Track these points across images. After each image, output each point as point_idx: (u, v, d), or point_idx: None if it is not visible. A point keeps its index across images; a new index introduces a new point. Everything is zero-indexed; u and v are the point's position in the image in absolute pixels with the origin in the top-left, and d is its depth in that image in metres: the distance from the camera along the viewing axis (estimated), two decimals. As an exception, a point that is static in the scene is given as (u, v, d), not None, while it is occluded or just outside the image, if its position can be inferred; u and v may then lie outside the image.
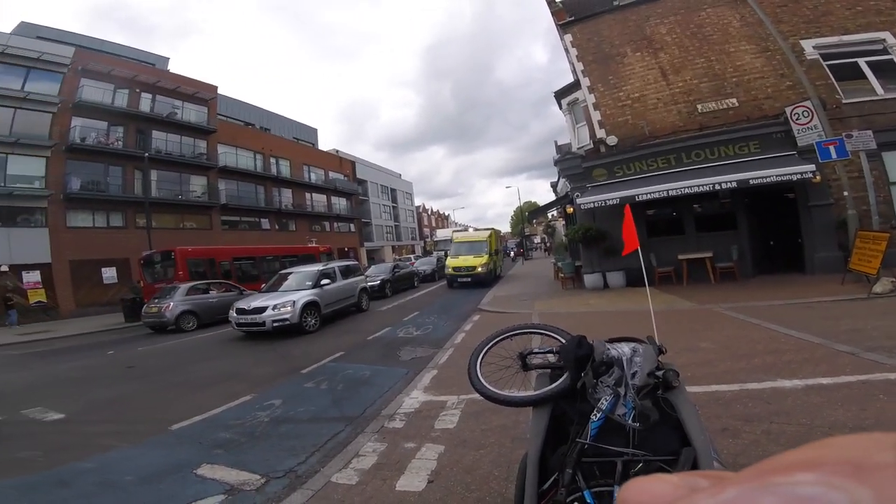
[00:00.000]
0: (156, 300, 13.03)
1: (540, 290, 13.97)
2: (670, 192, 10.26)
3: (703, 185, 9.95)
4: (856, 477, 0.19)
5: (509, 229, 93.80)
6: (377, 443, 3.80)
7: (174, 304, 12.60)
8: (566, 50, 14.48)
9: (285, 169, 34.34)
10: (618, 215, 10.53)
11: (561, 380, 1.79)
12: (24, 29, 22.75)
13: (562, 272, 14.26)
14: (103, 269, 21.46)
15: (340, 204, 40.47)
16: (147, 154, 21.67)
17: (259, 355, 8.32)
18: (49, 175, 20.41)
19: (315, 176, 37.80)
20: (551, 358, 1.93)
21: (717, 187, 9.92)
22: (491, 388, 1.97)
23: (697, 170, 10.97)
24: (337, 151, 44.26)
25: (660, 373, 1.65)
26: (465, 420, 4.11)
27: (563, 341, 1.97)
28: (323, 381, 5.99)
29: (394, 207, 53.91)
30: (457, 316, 10.77)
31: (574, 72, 14.22)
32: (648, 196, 10.47)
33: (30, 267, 19.30)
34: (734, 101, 11.59)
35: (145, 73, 25.24)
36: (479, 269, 17.71)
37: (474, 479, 3.06)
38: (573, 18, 14.20)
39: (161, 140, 25.32)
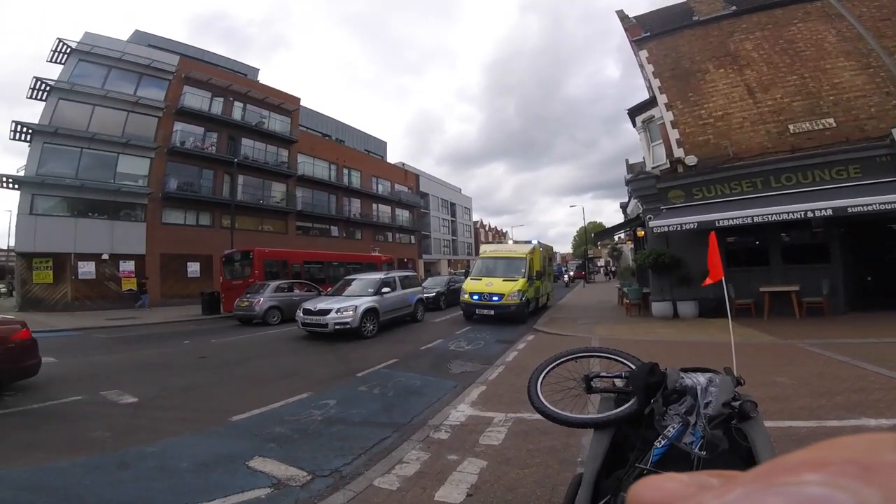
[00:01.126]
0: (248, 295, 14.20)
1: (602, 316, 13.39)
2: (755, 219, 9.45)
3: (793, 213, 9.06)
4: (863, 477, 0.19)
5: (570, 250, 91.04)
6: (421, 451, 3.80)
7: (264, 299, 13.75)
8: (641, 66, 13.99)
9: (356, 180, 36.03)
10: (695, 241, 9.99)
11: (628, 404, 1.77)
12: (138, 37, 25.50)
13: (627, 298, 13.58)
14: (189, 264, 23.53)
15: (403, 216, 41.64)
16: (236, 160, 23.69)
17: (319, 356, 8.66)
18: (151, 175, 22.85)
19: (382, 187, 39.30)
20: (618, 382, 1.93)
21: (810, 215, 8.98)
22: (552, 407, 1.97)
23: (787, 195, 10.03)
24: (403, 164, 45.71)
25: (736, 403, 1.59)
26: (512, 438, 4.01)
27: (633, 367, 1.95)
28: (376, 387, 6.10)
29: (452, 221, 54.53)
30: (510, 333, 10.56)
31: (650, 88, 13.69)
32: (731, 222, 9.69)
33: (126, 257, 21.56)
34: (831, 121, 10.52)
35: (238, 82, 27.60)
36: (509, 299, 12.41)
37: (515, 497, 2.97)
38: (648, 34, 13.71)
39: (248, 147, 27.53)
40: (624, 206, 24.50)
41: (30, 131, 20.21)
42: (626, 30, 14.50)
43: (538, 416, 4.28)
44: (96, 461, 3.72)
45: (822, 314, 9.93)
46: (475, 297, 12.90)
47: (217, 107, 26.19)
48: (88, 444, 4.14)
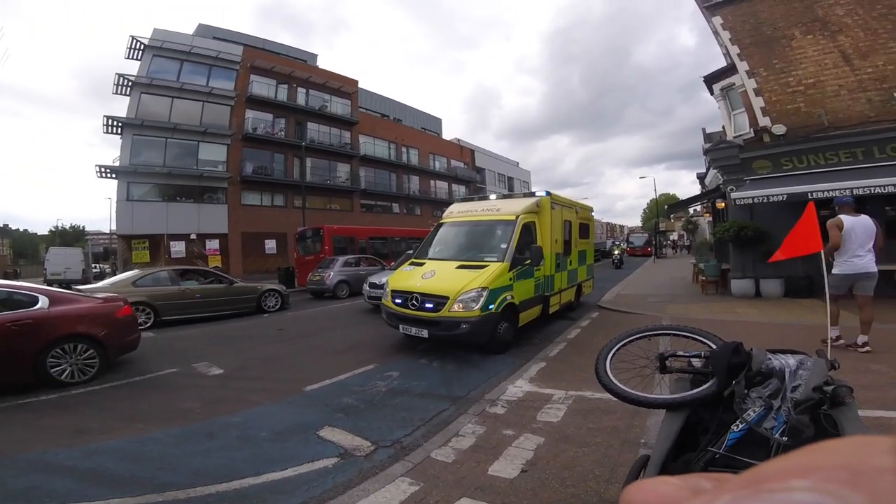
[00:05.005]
0: (319, 270, 15.18)
1: (675, 293, 12.61)
2: (856, 191, 8.39)
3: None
4: (851, 483, 0.19)
5: (640, 223, 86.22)
6: (477, 425, 3.87)
7: (333, 274, 14.58)
8: (715, 33, 12.97)
9: (414, 157, 36.66)
10: (783, 214, 9.13)
11: (706, 385, 1.70)
12: (202, 30, 27.02)
13: (703, 275, 12.72)
14: (266, 242, 25.34)
15: (460, 191, 41.66)
16: (304, 143, 24.83)
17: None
18: (229, 160, 24.58)
19: (439, 164, 39.65)
20: (696, 362, 1.85)
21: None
22: (621, 385, 1.93)
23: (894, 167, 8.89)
24: (458, 140, 45.59)
25: (829, 388, 1.48)
26: (571, 416, 3.97)
27: (714, 346, 1.86)
28: (435, 359, 6.26)
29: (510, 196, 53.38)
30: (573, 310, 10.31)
31: (727, 55, 12.68)
32: (829, 194, 8.69)
33: (211, 237, 23.62)
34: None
35: (299, 68, 28.70)
36: (459, 308, 6.14)
37: (572, 475, 2.96)
38: (721, 0, 12.55)
39: (314, 131, 28.72)
40: (702, 177, 22.78)
41: (119, 124, 22.34)
42: (696, -4, 13.29)
43: (601, 394, 4.14)
44: (188, 431, 4.02)
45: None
46: (397, 301, 6.86)
47: (282, 93, 27.45)
48: (181, 414, 4.48)
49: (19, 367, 5.08)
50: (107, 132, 22.68)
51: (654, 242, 37.29)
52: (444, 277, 6.65)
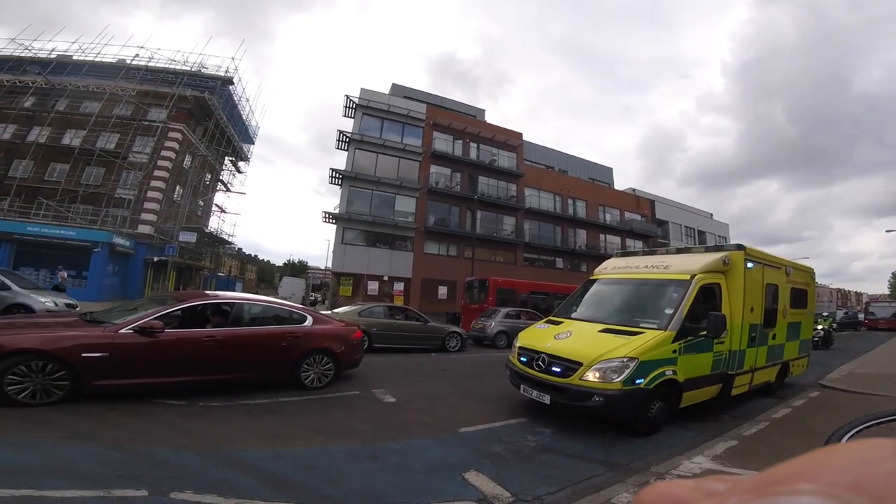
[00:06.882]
0: (482, 318, 16.22)
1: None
2: None
3: None
4: (855, 486, 0.19)
5: (887, 290, 66.25)
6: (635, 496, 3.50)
7: (495, 324, 15.50)
8: None
9: (581, 210, 35.82)
10: None
11: None
12: (395, 90, 31.58)
13: None
14: (439, 287, 27.72)
15: (636, 246, 38.60)
16: (476, 197, 26.87)
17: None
18: (417, 212, 28.01)
19: (610, 216, 37.78)
20: None
21: None
22: None
23: None
24: (634, 190, 42.83)
25: None
26: (762, 500, 3.29)
27: None
28: (594, 423, 5.85)
29: (702, 252, 46.95)
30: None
31: None
32: None
33: (398, 279, 27.02)
34: None
35: (471, 124, 31.60)
36: (594, 376, 5.27)
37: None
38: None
39: (483, 184, 30.91)
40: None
41: (340, 176, 27.60)
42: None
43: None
44: (356, 450, 4.41)
45: None
46: (522, 359, 6.34)
47: (458, 148, 30.47)
48: (354, 433, 4.96)
49: (285, 369, 6.51)
50: (331, 183, 28.47)
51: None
52: (581, 340, 5.94)
